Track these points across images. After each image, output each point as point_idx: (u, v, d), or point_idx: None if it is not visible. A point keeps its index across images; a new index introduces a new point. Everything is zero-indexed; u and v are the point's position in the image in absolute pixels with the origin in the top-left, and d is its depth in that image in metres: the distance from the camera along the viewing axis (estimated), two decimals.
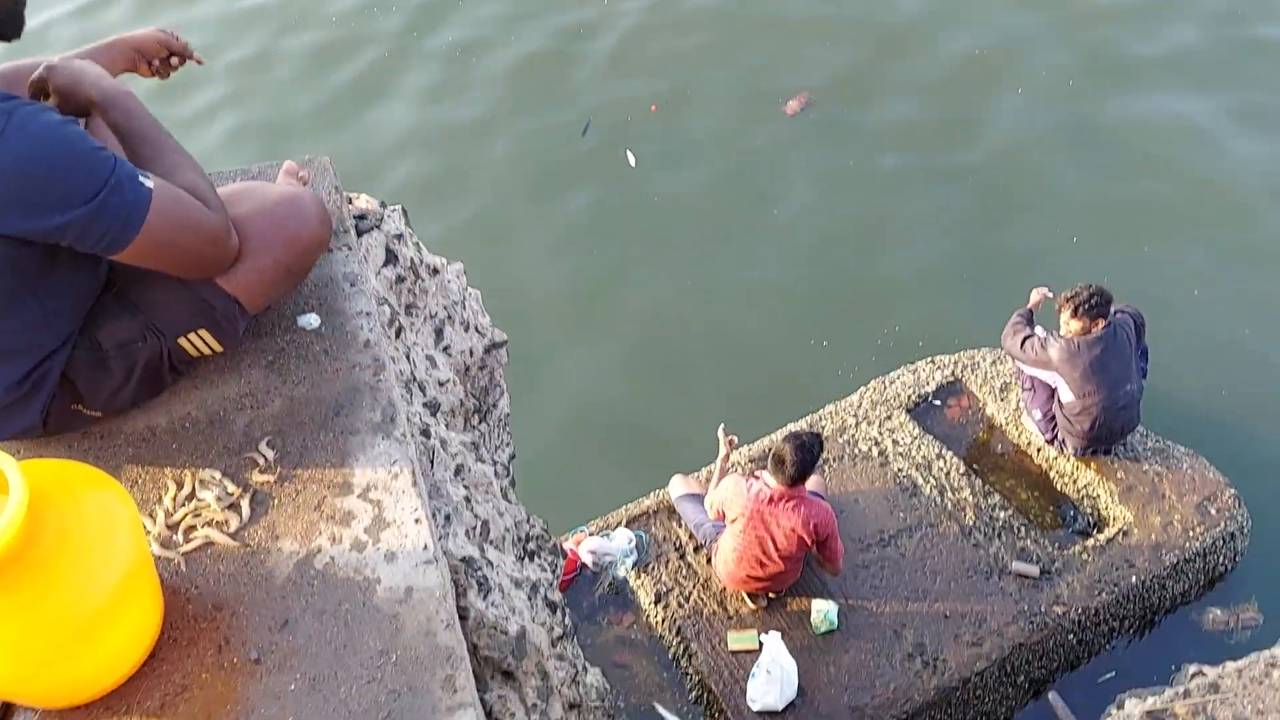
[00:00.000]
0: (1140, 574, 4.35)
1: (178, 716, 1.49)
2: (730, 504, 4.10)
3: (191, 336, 1.82)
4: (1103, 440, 4.62)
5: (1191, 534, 4.45)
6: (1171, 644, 4.38)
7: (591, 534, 4.68)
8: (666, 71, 7.52)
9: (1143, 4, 7.69)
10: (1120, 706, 3.09)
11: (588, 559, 4.56)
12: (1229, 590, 4.58)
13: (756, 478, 4.09)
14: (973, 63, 7.33)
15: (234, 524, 1.70)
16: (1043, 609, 4.25)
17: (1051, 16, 7.65)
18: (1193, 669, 3.06)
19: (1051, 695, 4.26)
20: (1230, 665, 2.79)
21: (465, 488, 2.23)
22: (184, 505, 1.73)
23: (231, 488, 1.75)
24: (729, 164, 6.84)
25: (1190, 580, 4.49)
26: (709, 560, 4.44)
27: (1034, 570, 4.34)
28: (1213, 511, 4.52)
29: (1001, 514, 4.57)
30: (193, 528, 1.70)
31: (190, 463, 1.79)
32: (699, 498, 4.51)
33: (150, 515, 1.72)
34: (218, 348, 1.87)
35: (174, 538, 1.69)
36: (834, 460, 4.79)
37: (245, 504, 1.73)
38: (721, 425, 4.52)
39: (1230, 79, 7.06)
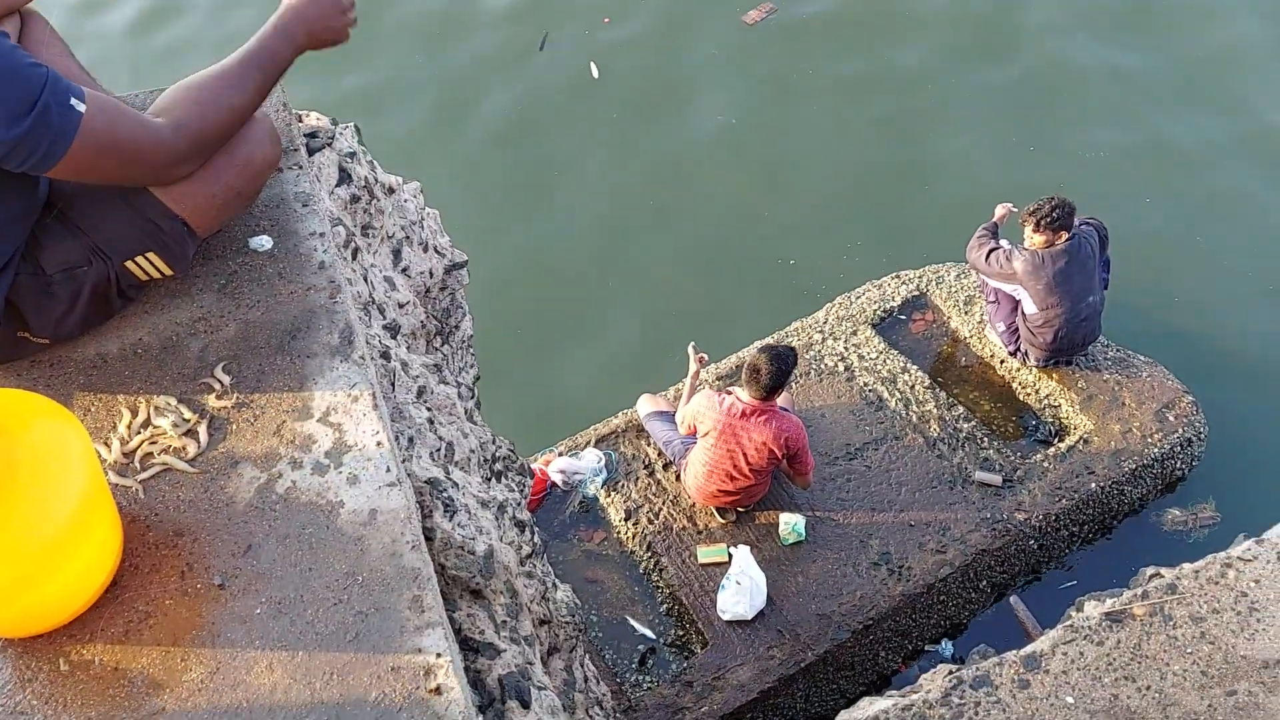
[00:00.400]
0: (1100, 480, 4.44)
1: (143, 642, 1.48)
2: (702, 418, 4.12)
3: (140, 259, 1.76)
4: (1064, 351, 4.67)
5: (1150, 440, 4.54)
6: (1131, 548, 4.49)
7: (560, 454, 4.69)
8: None
9: None
10: (1079, 609, 3.17)
11: (557, 478, 4.58)
12: (1187, 493, 4.69)
13: (729, 392, 4.11)
14: None
15: (192, 450, 1.68)
16: (1005, 516, 4.33)
17: None
18: (1150, 571, 3.13)
19: (1013, 599, 4.37)
20: (1187, 567, 2.85)
21: (428, 410, 2.21)
22: (139, 432, 1.70)
23: (188, 414, 1.71)
24: (683, 75, 6.70)
25: (1149, 485, 4.59)
26: (678, 477, 4.48)
27: (996, 479, 4.42)
28: (1171, 418, 4.60)
29: (965, 425, 4.63)
30: (150, 455, 1.67)
31: (144, 389, 1.75)
32: (667, 415, 4.53)
33: (105, 443, 1.69)
34: (167, 271, 1.81)
35: (131, 465, 1.66)
36: (801, 376, 4.81)
37: (202, 430, 1.70)
38: (691, 343, 4.51)
39: None
